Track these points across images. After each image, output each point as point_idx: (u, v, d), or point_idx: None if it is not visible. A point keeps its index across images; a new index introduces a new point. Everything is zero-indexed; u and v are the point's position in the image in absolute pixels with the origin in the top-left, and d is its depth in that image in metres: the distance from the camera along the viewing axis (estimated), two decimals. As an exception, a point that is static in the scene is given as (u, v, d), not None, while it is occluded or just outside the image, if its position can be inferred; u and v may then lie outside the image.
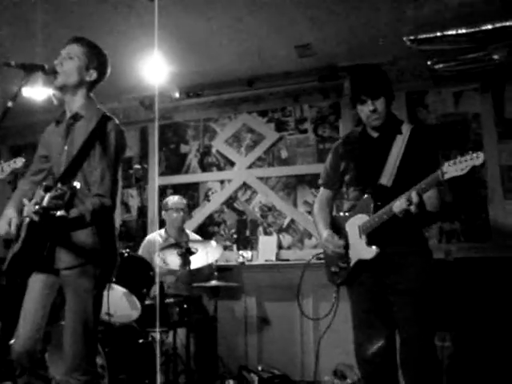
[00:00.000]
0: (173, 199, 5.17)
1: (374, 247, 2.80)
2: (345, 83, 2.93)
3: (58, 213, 2.19)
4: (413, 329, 2.77)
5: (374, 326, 2.89)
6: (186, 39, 4.67)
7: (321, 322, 5.14)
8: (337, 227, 3.04)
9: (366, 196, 2.90)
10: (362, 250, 2.86)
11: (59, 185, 2.19)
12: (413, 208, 2.59)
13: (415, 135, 2.92)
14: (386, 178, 2.85)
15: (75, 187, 2.18)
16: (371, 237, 2.83)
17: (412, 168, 2.82)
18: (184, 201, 5.18)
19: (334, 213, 3.25)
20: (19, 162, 3.80)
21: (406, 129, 2.94)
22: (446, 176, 2.52)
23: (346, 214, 3.03)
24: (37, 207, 2.25)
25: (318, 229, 3.16)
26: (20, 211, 2.67)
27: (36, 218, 2.29)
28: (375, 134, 2.99)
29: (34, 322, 2.60)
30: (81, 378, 2.51)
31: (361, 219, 2.88)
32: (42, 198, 2.22)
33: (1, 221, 2.67)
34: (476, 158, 2.45)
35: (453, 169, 2.50)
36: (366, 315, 2.93)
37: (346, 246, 2.94)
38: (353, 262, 2.91)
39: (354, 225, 2.92)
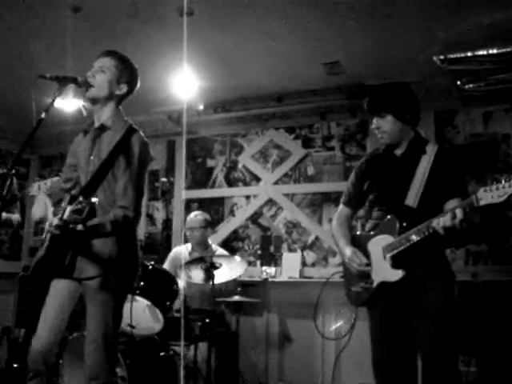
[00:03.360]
0: (189, 217, 5.18)
1: (400, 270, 2.72)
2: None
3: (78, 227, 2.27)
4: (436, 354, 2.69)
5: (393, 349, 2.82)
6: (214, 54, 4.72)
7: (343, 341, 5.12)
8: (358, 246, 2.96)
9: (390, 216, 2.83)
10: (386, 272, 2.79)
11: (81, 198, 2.23)
12: (457, 224, 2.48)
13: (441, 156, 2.85)
14: (412, 199, 2.78)
15: (94, 203, 2.23)
16: (396, 259, 2.75)
17: (438, 189, 2.76)
18: (199, 217, 5.12)
19: (356, 232, 3.20)
20: (55, 181, 3.86)
21: (431, 149, 2.87)
22: (482, 202, 2.41)
23: (369, 233, 2.97)
24: (58, 221, 2.30)
25: (339, 246, 3.09)
26: (53, 202, 2.73)
27: (57, 232, 2.34)
28: (399, 153, 2.93)
29: (53, 324, 2.62)
30: None
31: (385, 240, 2.81)
32: (64, 211, 2.26)
33: (35, 205, 2.73)
34: None
35: (489, 195, 2.39)
36: (386, 338, 2.85)
37: (370, 267, 2.87)
38: (376, 283, 2.84)
39: (377, 245, 2.85)
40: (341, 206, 3.21)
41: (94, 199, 2.24)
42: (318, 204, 5.74)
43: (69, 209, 2.24)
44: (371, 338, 2.94)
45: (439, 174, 2.80)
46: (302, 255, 5.69)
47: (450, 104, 5.31)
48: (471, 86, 4.79)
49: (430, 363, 2.72)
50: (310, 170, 5.84)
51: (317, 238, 5.69)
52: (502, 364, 4.24)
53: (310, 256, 5.68)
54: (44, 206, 2.68)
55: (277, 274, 5.65)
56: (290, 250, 5.78)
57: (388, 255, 2.77)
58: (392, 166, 2.94)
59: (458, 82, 4.81)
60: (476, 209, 2.47)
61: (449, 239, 2.61)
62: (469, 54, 4.38)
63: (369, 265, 2.86)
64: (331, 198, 5.65)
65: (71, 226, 2.29)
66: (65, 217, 2.25)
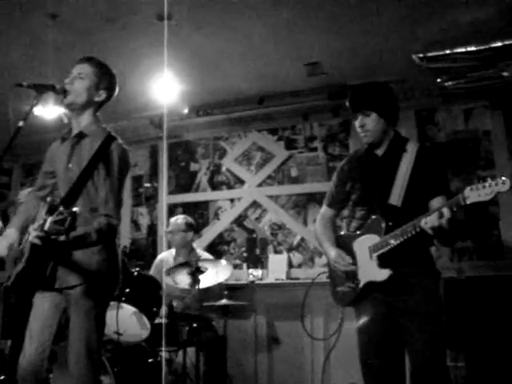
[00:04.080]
0: (171, 221, 5.16)
1: (387, 269, 2.71)
2: None
3: (59, 238, 2.22)
4: (423, 351, 2.70)
5: (381, 347, 2.83)
6: (195, 58, 4.71)
7: (331, 341, 5.12)
8: (342, 247, 2.97)
9: (375, 216, 2.83)
10: (372, 272, 2.78)
11: (61, 208, 2.19)
12: (445, 223, 2.48)
13: (422, 154, 2.86)
14: (395, 198, 2.78)
15: (75, 213, 2.18)
16: (383, 258, 2.75)
17: (421, 187, 2.77)
18: (180, 221, 5.08)
19: (340, 232, 3.20)
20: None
21: (411, 147, 2.88)
22: (468, 201, 2.42)
23: (354, 233, 2.96)
24: (39, 232, 2.27)
25: (323, 248, 3.09)
26: (23, 229, 2.69)
27: (39, 243, 2.30)
28: (380, 152, 2.93)
29: (39, 340, 2.59)
30: None
31: (371, 240, 2.81)
32: (45, 222, 2.23)
33: (2, 241, 2.68)
34: (502, 185, 2.36)
35: (475, 194, 2.40)
36: (374, 336, 2.85)
37: (356, 266, 2.87)
38: (362, 283, 2.84)
39: (363, 245, 2.85)
40: (324, 208, 3.21)
41: (75, 209, 2.20)
42: (302, 205, 5.75)
43: (50, 219, 2.19)
44: (358, 337, 2.93)
45: (421, 172, 2.80)
46: (288, 257, 5.69)
47: (431, 102, 5.34)
48: (451, 83, 4.82)
49: (417, 360, 2.72)
50: (294, 172, 5.84)
51: (302, 239, 5.69)
52: (489, 358, 4.26)
53: (296, 257, 5.69)
54: (10, 246, 2.65)
55: (263, 277, 5.65)
56: (276, 251, 5.77)
57: (375, 255, 2.77)
58: (374, 166, 2.94)
59: (438, 80, 4.84)
60: (462, 207, 2.47)
61: (437, 238, 2.64)
62: (448, 51, 4.42)
63: (354, 264, 2.86)
64: (315, 199, 5.66)
65: (53, 237, 2.24)
66: (46, 228, 2.20)
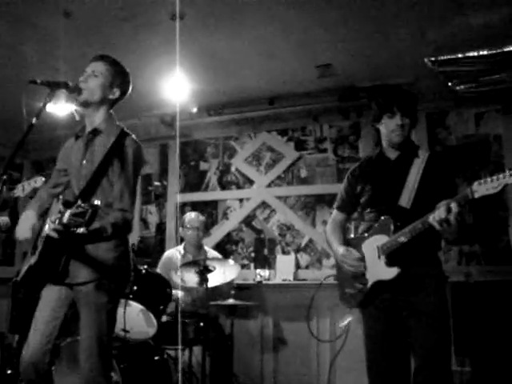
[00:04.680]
0: (189, 216, 5.17)
1: (395, 268, 2.74)
2: (372, 102, 2.98)
3: (79, 230, 2.21)
4: (429, 353, 2.71)
5: (387, 349, 2.84)
6: (207, 58, 4.72)
7: (337, 343, 5.13)
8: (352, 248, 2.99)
9: (384, 217, 2.85)
10: (380, 271, 2.81)
11: (79, 201, 2.21)
12: (452, 218, 2.53)
13: (433, 160, 2.92)
14: (405, 200, 2.82)
15: (97, 205, 2.19)
16: (391, 257, 2.78)
17: (430, 191, 2.81)
18: (201, 218, 5.15)
19: (350, 235, 3.22)
20: (39, 181, 3.85)
21: (423, 153, 2.95)
22: (477, 195, 2.48)
23: (363, 235, 2.98)
24: (57, 225, 2.28)
25: (332, 248, 3.13)
26: (39, 215, 2.71)
27: (56, 236, 2.32)
28: (393, 156, 2.98)
29: (44, 333, 2.60)
30: None
31: (379, 240, 2.84)
32: (63, 215, 2.24)
33: (22, 223, 2.71)
34: (509, 177, 2.41)
35: (483, 188, 2.46)
36: (380, 338, 2.87)
37: (364, 266, 2.89)
38: (370, 282, 2.86)
39: (372, 245, 2.87)
40: (334, 212, 3.25)
41: (96, 202, 2.20)
42: (311, 206, 5.75)
43: (68, 212, 2.20)
44: (365, 339, 2.96)
45: (432, 176, 2.84)
46: (296, 258, 5.69)
47: (442, 105, 5.33)
48: (462, 87, 4.81)
49: (422, 361, 2.73)
50: (303, 173, 5.85)
51: (310, 241, 5.69)
52: (495, 363, 4.25)
53: (304, 258, 5.69)
54: (32, 226, 2.66)
55: (271, 277, 5.65)
56: (284, 252, 5.78)
57: (383, 254, 2.80)
58: (385, 169, 2.98)
59: (450, 84, 4.82)
60: (470, 201, 2.52)
61: (443, 234, 2.66)
62: (459, 55, 4.40)
63: (362, 260, 2.89)
64: (324, 200, 5.66)
65: (72, 229, 2.25)
66: (64, 221, 2.22)
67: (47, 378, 2.64)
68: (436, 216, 2.56)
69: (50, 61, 4.50)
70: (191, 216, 5.16)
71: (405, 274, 2.73)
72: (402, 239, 2.72)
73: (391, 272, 2.75)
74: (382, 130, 2.98)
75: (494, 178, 2.44)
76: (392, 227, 2.79)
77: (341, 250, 3.00)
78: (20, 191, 3.91)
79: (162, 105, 5.51)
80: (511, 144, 5.04)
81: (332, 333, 5.18)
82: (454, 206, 2.53)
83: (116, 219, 2.55)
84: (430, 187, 2.82)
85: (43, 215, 2.75)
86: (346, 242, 3.07)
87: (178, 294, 4.32)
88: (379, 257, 2.82)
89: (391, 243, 2.77)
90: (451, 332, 2.81)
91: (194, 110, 5.77)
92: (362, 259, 2.89)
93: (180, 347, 4.06)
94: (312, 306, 5.11)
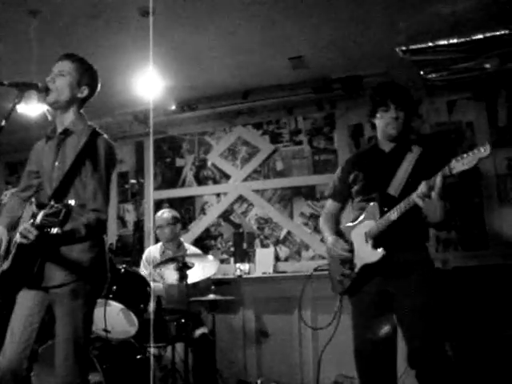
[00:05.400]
0: (157, 216, 5.15)
1: (380, 249, 2.85)
2: (368, 91, 3.16)
3: (53, 230, 2.17)
4: (422, 335, 2.79)
5: (375, 335, 2.91)
6: (179, 53, 4.69)
7: (320, 333, 5.16)
8: (342, 238, 3.10)
9: (372, 204, 2.97)
10: (367, 254, 2.92)
11: (52, 202, 2.18)
12: (434, 194, 2.64)
13: (425, 154, 3.02)
14: (394, 189, 2.93)
15: (70, 205, 2.16)
16: (377, 240, 2.88)
17: (419, 183, 2.86)
18: (169, 214, 5.07)
19: (341, 226, 3.29)
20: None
21: (416, 148, 3.04)
22: (454, 171, 2.58)
23: (353, 223, 3.09)
24: (29, 228, 2.25)
25: (324, 237, 3.25)
26: (9, 227, 2.67)
27: (31, 237, 2.29)
28: (387, 149, 3.09)
29: (21, 339, 2.55)
30: None
31: (367, 226, 2.95)
32: (36, 216, 2.21)
33: None
34: (483, 151, 2.51)
35: (460, 164, 2.56)
36: (369, 324, 2.94)
37: (352, 253, 3.00)
38: (358, 267, 2.96)
39: (360, 232, 2.99)
40: (328, 201, 3.37)
41: (70, 201, 2.18)
42: (288, 199, 5.76)
43: (42, 213, 2.18)
44: (353, 326, 3.04)
45: (421, 169, 2.94)
46: (275, 250, 5.71)
47: (415, 94, 5.27)
48: (434, 75, 4.85)
49: (415, 344, 2.80)
50: (279, 165, 5.85)
51: (289, 233, 5.71)
52: (476, 348, 4.31)
53: (283, 251, 5.70)
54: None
55: (251, 271, 5.66)
56: (263, 245, 5.79)
57: (370, 237, 2.91)
58: (379, 160, 3.09)
59: (421, 72, 4.86)
60: (450, 177, 2.63)
61: (427, 214, 2.80)
62: (430, 44, 4.43)
63: (350, 251, 3.00)
64: (301, 192, 5.68)
65: (46, 230, 2.20)
66: (38, 221, 2.19)
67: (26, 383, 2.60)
68: (418, 192, 2.68)
69: (21, 61, 4.42)
70: (158, 215, 5.14)
71: (391, 258, 2.83)
72: (387, 222, 2.83)
73: (377, 254, 2.86)
74: (378, 124, 3.09)
75: (470, 153, 2.54)
76: (378, 213, 2.91)
77: (330, 239, 3.13)
78: (8, 198, 3.86)
79: (135, 102, 5.46)
80: (483, 130, 5.12)
81: (314, 323, 5.20)
82: (434, 180, 2.63)
83: (89, 220, 2.51)
84: (418, 179, 2.88)
85: (15, 225, 2.69)
86: (338, 232, 3.18)
87: (159, 289, 4.31)
88: (366, 241, 2.94)
89: (377, 226, 2.88)
90: (440, 311, 2.91)
91: (173, 107, 5.74)
92: (351, 247, 3.01)
93: (153, 345, 4.05)
94: (295, 298, 5.16)
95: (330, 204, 3.34)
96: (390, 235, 2.84)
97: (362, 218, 3.02)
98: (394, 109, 2.99)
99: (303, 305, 5.16)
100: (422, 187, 2.66)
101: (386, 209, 2.87)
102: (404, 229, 2.83)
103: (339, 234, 3.15)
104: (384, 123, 3.03)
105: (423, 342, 2.78)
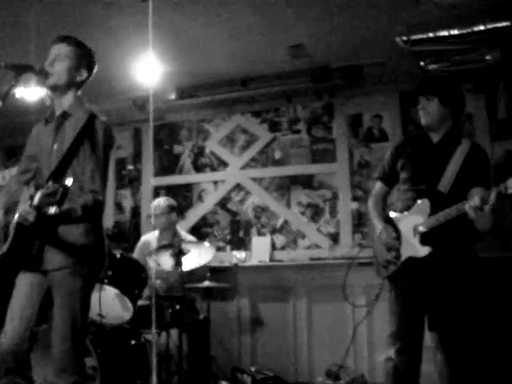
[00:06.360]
0: (154, 204, 5.13)
1: (427, 247, 2.94)
2: None
3: (51, 210, 2.17)
4: (459, 336, 2.92)
5: (410, 323, 3.00)
6: (179, 40, 4.67)
7: (314, 322, 5.20)
8: (391, 225, 3.17)
9: (423, 199, 3.02)
10: (414, 248, 3.00)
11: (50, 182, 2.18)
12: (487, 207, 2.69)
13: (475, 149, 3.07)
14: (444, 185, 2.99)
15: (67, 184, 2.17)
16: (425, 237, 2.97)
17: (468, 179, 2.97)
18: (163, 203, 5.06)
19: (389, 213, 3.34)
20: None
21: (466, 142, 3.08)
22: (510, 191, 2.64)
23: (402, 214, 3.15)
24: (28, 209, 2.25)
25: (373, 222, 3.33)
26: (6, 210, 2.67)
27: (30, 219, 2.29)
28: (435, 139, 3.13)
29: (21, 321, 2.58)
30: (69, 378, 2.50)
31: (416, 219, 3.02)
32: (33, 197, 2.21)
33: None
34: None
35: None
36: (406, 312, 3.02)
37: (399, 242, 3.07)
38: (403, 258, 3.04)
39: (408, 224, 3.06)
40: (377, 183, 3.42)
41: (67, 180, 2.18)
42: (285, 187, 5.76)
43: (39, 193, 2.18)
44: (390, 312, 3.11)
45: (471, 165, 3.00)
46: (272, 239, 5.72)
47: (415, 85, 5.34)
48: (434, 66, 4.83)
49: (449, 342, 2.95)
50: (277, 154, 5.85)
51: (285, 222, 5.72)
52: (498, 340, 4.33)
53: (280, 239, 5.71)
54: None
55: (247, 259, 5.67)
56: (260, 234, 5.80)
57: (418, 233, 3.00)
58: (427, 151, 3.13)
59: (421, 63, 4.84)
60: (503, 196, 2.69)
61: (477, 223, 2.84)
62: (431, 35, 4.42)
63: (398, 239, 3.08)
64: (299, 181, 5.68)
65: (44, 210, 2.19)
66: (36, 201, 2.20)
67: (25, 365, 2.62)
68: (472, 204, 2.74)
69: (18, 43, 4.40)
70: (154, 204, 5.13)
71: (437, 256, 2.92)
72: (435, 222, 2.92)
73: (424, 250, 2.96)
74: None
75: None
76: (429, 210, 2.98)
77: (379, 226, 3.21)
78: (0, 179, 3.85)
79: (134, 88, 5.44)
80: (482, 123, 5.11)
81: (308, 313, 5.23)
82: (488, 195, 2.70)
83: (86, 201, 2.53)
84: (468, 175, 2.98)
85: (13, 207, 2.69)
86: (386, 219, 3.24)
87: (154, 278, 4.31)
88: (414, 235, 3.01)
89: (426, 224, 2.96)
90: (477, 314, 3.05)
91: (172, 94, 5.72)
92: (398, 236, 3.09)
93: (148, 330, 4.06)
94: (291, 287, 5.20)
95: (379, 186, 3.39)
96: (438, 234, 2.93)
97: (411, 210, 3.09)
98: (422, 100, 3.08)
99: (298, 294, 5.22)
100: (476, 200, 2.72)
101: (436, 207, 2.94)
102: (453, 229, 2.91)
103: (387, 220, 3.22)
104: (419, 114, 3.13)
105: (457, 339, 2.93)
